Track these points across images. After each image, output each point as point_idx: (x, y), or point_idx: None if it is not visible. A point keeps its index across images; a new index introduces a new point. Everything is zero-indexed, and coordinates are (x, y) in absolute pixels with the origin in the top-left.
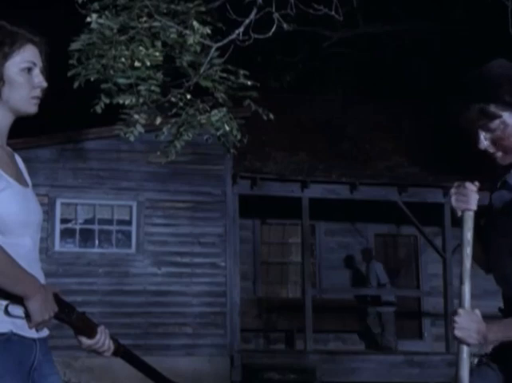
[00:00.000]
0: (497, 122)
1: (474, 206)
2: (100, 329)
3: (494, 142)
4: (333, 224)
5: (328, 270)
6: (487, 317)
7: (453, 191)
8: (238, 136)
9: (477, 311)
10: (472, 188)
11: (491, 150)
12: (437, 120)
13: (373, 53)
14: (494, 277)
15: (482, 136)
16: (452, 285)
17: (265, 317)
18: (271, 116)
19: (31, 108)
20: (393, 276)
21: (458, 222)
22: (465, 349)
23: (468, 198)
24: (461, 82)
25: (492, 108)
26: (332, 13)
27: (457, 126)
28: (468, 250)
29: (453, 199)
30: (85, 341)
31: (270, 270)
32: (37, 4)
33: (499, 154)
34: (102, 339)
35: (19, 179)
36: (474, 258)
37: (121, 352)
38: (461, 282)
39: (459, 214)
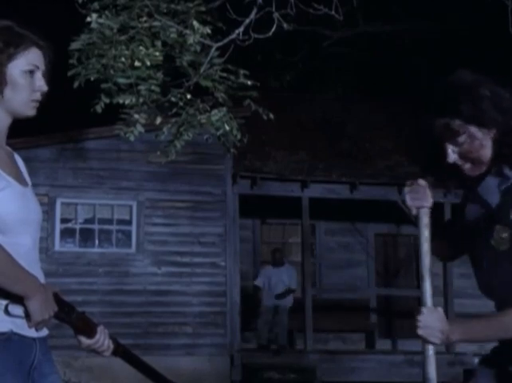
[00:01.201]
0: (464, 136)
1: (428, 203)
2: (100, 328)
3: (463, 155)
4: (333, 224)
5: (328, 270)
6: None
7: (406, 189)
8: (238, 136)
9: (439, 309)
10: (424, 185)
11: (460, 163)
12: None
13: (373, 52)
14: (479, 287)
15: (450, 149)
16: (452, 284)
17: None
18: (271, 115)
19: (30, 111)
20: (393, 276)
21: (414, 220)
22: (430, 347)
23: (422, 195)
24: (425, 98)
25: (457, 122)
26: (332, 12)
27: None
28: (426, 247)
29: (407, 197)
30: (85, 340)
31: None
32: (37, 4)
33: (468, 166)
34: (101, 339)
35: (19, 178)
36: (435, 252)
37: (120, 351)
38: (421, 279)
39: (414, 212)
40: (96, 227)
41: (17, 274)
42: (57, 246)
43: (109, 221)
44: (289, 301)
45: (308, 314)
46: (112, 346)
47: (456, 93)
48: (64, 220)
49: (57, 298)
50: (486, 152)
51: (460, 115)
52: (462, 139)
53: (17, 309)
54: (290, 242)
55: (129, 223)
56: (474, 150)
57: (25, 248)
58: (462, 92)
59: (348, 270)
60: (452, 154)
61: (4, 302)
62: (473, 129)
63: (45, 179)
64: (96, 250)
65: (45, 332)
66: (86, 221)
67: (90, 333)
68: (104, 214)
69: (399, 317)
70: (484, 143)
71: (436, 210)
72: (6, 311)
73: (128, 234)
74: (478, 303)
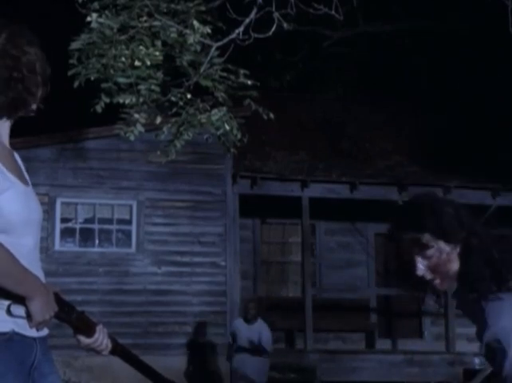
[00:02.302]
0: (433, 250)
1: None
2: (99, 327)
3: (432, 268)
4: (333, 224)
5: (328, 270)
6: None
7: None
8: (238, 136)
9: None
10: None
11: (429, 277)
12: (437, 119)
13: (373, 52)
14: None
15: (419, 263)
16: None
17: (265, 317)
18: (271, 115)
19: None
20: (393, 276)
21: None
22: None
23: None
24: (391, 215)
25: (426, 237)
26: (332, 12)
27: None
28: None
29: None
30: (84, 339)
31: (270, 269)
32: (38, 3)
33: (437, 281)
34: (100, 338)
35: (21, 177)
36: None
37: (119, 350)
38: None
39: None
40: (96, 226)
41: (19, 275)
42: (57, 246)
43: (109, 221)
44: (261, 374)
45: (308, 314)
46: (110, 345)
47: (424, 209)
48: (64, 220)
49: (58, 298)
50: (454, 266)
51: (429, 230)
52: (430, 252)
53: (18, 310)
54: (290, 242)
55: (129, 222)
56: (443, 263)
57: (27, 248)
58: (428, 209)
59: (348, 270)
60: (421, 267)
61: (6, 303)
62: (441, 244)
63: (45, 178)
64: (96, 249)
65: (45, 332)
66: (86, 221)
67: (89, 332)
68: (104, 213)
69: (399, 317)
70: (451, 257)
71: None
72: (8, 311)
73: (128, 234)
74: None
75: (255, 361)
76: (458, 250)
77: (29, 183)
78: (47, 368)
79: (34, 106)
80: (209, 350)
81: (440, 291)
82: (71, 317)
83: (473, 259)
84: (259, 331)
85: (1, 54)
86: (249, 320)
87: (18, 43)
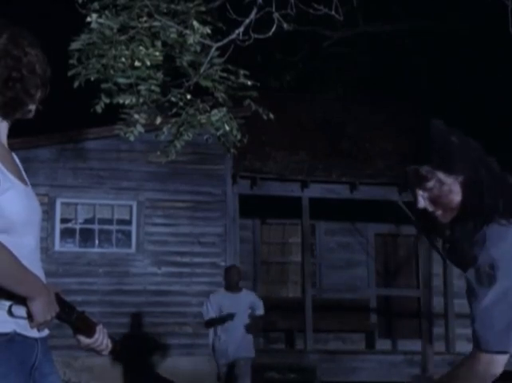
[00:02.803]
0: (432, 181)
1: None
2: (99, 328)
3: (433, 200)
4: (333, 224)
5: (328, 270)
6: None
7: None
8: (238, 136)
9: None
10: None
11: (430, 209)
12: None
13: (373, 52)
14: None
15: (420, 195)
16: (452, 284)
17: (265, 317)
18: (271, 115)
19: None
20: (393, 276)
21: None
22: None
23: None
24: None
25: (425, 168)
26: (332, 12)
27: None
28: None
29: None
30: (84, 340)
31: (270, 269)
32: (38, 3)
33: (439, 212)
34: (100, 338)
35: (20, 178)
36: None
37: (118, 351)
38: None
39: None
40: (96, 227)
41: (20, 275)
42: (57, 246)
43: (109, 221)
44: (249, 349)
45: (308, 314)
46: (110, 345)
47: (426, 140)
48: (64, 220)
49: (58, 298)
50: (455, 198)
51: (429, 161)
52: (430, 184)
53: (19, 310)
54: (290, 242)
55: (129, 223)
56: (444, 195)
57: (28, 248)
58: (431, 140)
59: (348, 270)
60: (422, 200)
61: (7, 303)
62: (441, 175)
63: (45, 179)
64: (96, 250)
65: (45, 332)
66: (86, 221)
67: (89, 332)
68: (104, 214)
69: (399, 317)
70: (453, 188)
71: None
72: (10, 312)
73: (128, 234)
74: None
75: (247, 336)
76: (460, 181)
77: (28, 183)
78: (47, 368)
79: (32, 107)
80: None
81: (443, 224)
82: (71, 318)
83: (478, 188)
84: (249, 301)
85: (2, 54)
86: (232, 289)
87: (20, 43)
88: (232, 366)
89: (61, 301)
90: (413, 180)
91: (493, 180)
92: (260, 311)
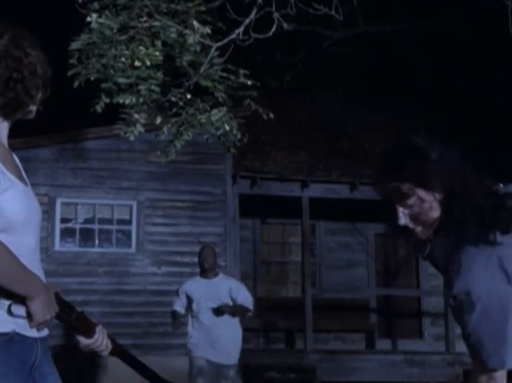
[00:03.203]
0: (413, 198)
1: None
2: (99, 328)
3: (413, 217)
4: (333, 224)
5: (328, 270)
6: None
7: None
8: (238, 136)
9: None
10: None
11: (411, 225)
12: (437, 119)
13: (373, 52)
14: None
15: (401, 212)
16: None
17: (265, 317)
18: (271, 115)
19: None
20: (393, 276)
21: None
22: None
23: None
24: (375, 164)
25: (407, 185)
26: (332, 12)
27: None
28: None
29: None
30: (83, 340)
31: (270, 269)
32: (38, 3)
33: (419, 229)
34: (100, 338)
35: (20, 177)
36: None
37: (118, 351)
38: None
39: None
40: (96, 226)
41: (20, 275)
42: (57, 246)
43: (109, 221)
44: (233, 355)
45: (308, 314)
46: (110, 346)
47: (405, 157)
48: (64, 220)
49: (58, 298)
50: (435, 214)
51: (409, 178)
52: (411, 201)
53: (19, 310)
54: (290, 242)
55: (129, 222)
56: (424, 212)
57: (27, 248)
58: (410, 156)
59: (348, 270)
60: (403, 216)
61: (7, 303)
62: (421, 192)
63: (45, 179)
64: (96, 250)
65: (45, 332)
66: (86, 221)
67: (89, 332)
68: (104, 214)
69: (399, 317)
70: (433, 205)
71: None
72: (9, 311)
73: (128, 234)
74: None
75: (230, 327)
76: (439, 197)
77: (28, 183)
78: (47, 368)
79: (33, 108)
80: None
81: (422, 240)
82: (71, 318)
83: (455, 206)
84: (227, 288)
85: (3, 55)
86: (207, 274)
87: (21, 44)
88: (215, 375)
89: (60, 300)
90: (394, 197)
91: (470, 197)
92: (242, 299)
